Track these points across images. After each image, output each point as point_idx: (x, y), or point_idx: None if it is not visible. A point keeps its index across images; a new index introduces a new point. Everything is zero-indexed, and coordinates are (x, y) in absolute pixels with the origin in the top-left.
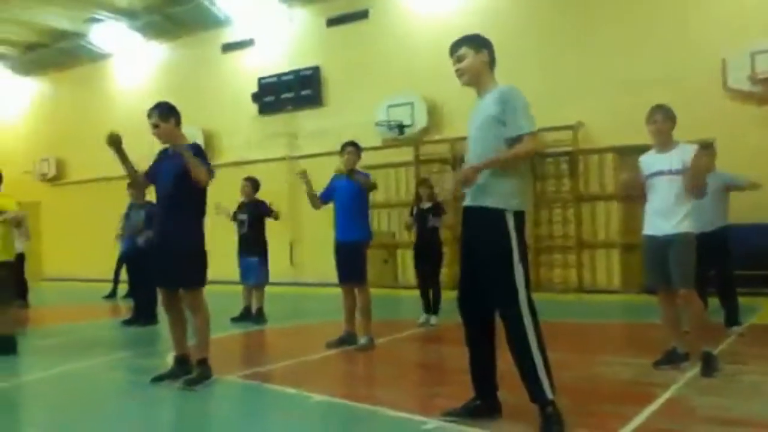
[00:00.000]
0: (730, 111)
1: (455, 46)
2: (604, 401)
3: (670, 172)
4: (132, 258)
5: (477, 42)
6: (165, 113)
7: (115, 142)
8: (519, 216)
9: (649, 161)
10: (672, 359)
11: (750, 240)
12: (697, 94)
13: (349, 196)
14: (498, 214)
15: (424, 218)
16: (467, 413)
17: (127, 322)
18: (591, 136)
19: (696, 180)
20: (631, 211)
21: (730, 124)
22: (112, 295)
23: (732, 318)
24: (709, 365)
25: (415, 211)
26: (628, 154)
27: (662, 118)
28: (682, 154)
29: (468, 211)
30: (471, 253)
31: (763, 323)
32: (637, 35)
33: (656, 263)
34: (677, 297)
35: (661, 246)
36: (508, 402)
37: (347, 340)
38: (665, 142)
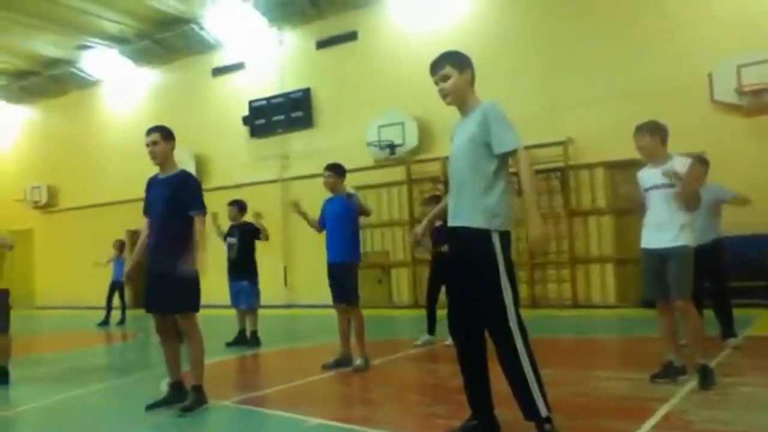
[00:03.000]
0: (717, 123)
1: (438, 66)
2: (602, 417)
3: (665, 186)
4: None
5: (460, 60)
6: (167, 134)
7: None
8: (504, 236)
9: (645, 176)
10: (669, 373)
11: (743, 251)
12: (685, 107)
13: (338, 218)
14: (484, 235)
15: (437, 237)
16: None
17: None
18: (581, 152)
19: (684, 189)
20: (623, 226)
21: (717, 136)
22: (106, 322)
23: (727, 330)
24: (706, 378)
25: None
26: (619, 168)
27: (639, 136)
28: (677, 168)
29: (452, 231)
30: (458, 273)
31: (759, 335)
32: (625, 51)
33: (654, 276)
34: (675, 310)
35: (659, 259)
36: (507, 420)
37: (343, 361)
38: (655, 157)
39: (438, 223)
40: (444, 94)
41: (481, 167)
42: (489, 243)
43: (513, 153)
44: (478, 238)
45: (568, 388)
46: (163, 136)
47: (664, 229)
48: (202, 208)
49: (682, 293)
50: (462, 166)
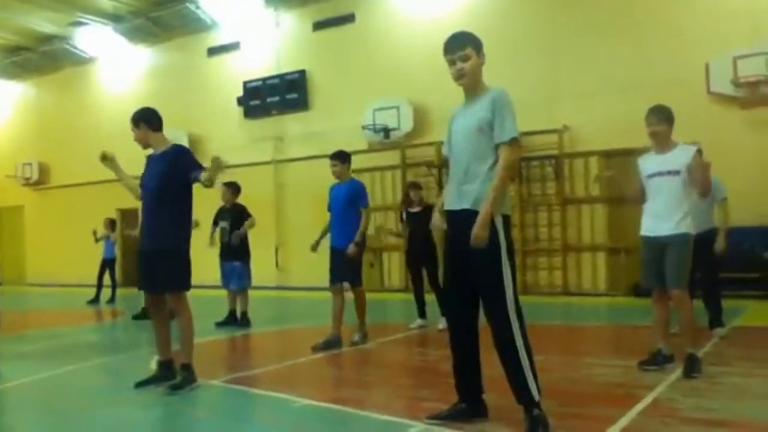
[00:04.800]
0: (713, 114)
1: (457, 44)
2: (590, 403)
3: (669, 173)
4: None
5: (479, 43)
6: (134, 120)
7: (107, 159)
8: (506, 219)
9: (648, 162)
10: (657, 361)
11: (736, 242)
12: (682, 98)
13: (344, 203)
14: (476, 216)
15: (416, 221)
16: (452, 417)
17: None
18: (576, 140)
19: (703, 182)
20: (616, 215)
21: (713, 127)
22: (96, 299)
23: (716, 320)
24: (692, 367)
25: (404, 215)
26: (613, 157)
27: (656, 120)
28: (681, 155)
29: (454, 214)
30: (457, 255)
31: (746, 325)
32: (624, 41)
33: (652, 264)
34: (670, 299)
35: (659, 247)
36: (495, 405)
37: (333, 343)
38: (663, 144)
39: (416, 209)
40: (460, 75)
41: (487, 153)
42: (492, 225)
43: (507, 143)
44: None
45: (557, 373)
46: (132, 123)
47: (665, 217)
48: (199, 166)
49: (679, 283)
50: (467, 151)
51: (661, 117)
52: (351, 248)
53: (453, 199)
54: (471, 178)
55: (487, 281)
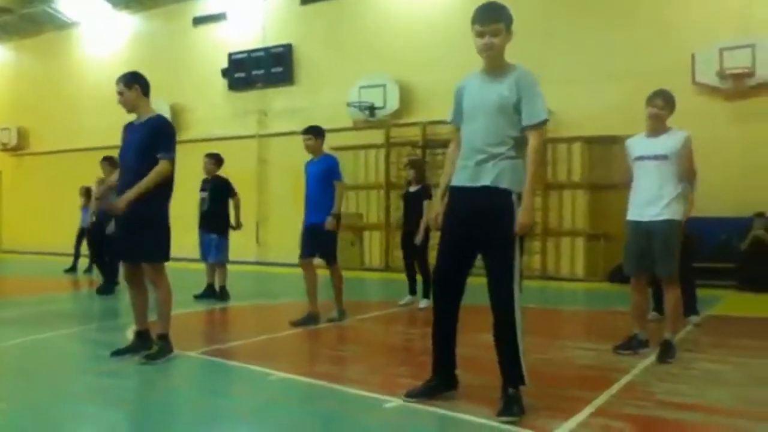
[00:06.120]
0: (697, 105)
1: (492, 17)
2: (564, 385)
3: (656, 157)
4: (91, 231)
5: (510, 19)
6: (128, 81)
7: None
8: (519, 196)
9: (637, 144)
10: (632, 345)
11: (713, 233)
12: (667, 88)
13: (319, 179)
14: (505, 195)
15: (413, 201)
16: (428, 393)
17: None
18: (560, 125)
19: (689, 168)
20: (597, 201)
21: (698, 118)
22: (73, 268)
23: (690, 307)
24: (667, 352)
25: (403, 194)
26: (596, 143)
27: (661, 103)
28: (671, 140)
29: (469, 191)
30: (463, 231)
31: (721, 314)
32: (610, 28)
33: (638, 249)
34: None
35: (643, 232)
36: (469, 383)
37: (311, 319)
38: (658, 127)
39: (413, 189)
40: (489, 48)
41: (506, 132)
42: (509, 202)
43: (538, 125)
44: (499, 197)
45: (533, 356)
46: (125, 83)
47: (650, 201)
48: (170, 152)
49: (668, 270)
50: (484, 127)
51: (661, 99)
52: (329, 221)
53: (468, 175)
54: (490, 156)
55: (499, 258)
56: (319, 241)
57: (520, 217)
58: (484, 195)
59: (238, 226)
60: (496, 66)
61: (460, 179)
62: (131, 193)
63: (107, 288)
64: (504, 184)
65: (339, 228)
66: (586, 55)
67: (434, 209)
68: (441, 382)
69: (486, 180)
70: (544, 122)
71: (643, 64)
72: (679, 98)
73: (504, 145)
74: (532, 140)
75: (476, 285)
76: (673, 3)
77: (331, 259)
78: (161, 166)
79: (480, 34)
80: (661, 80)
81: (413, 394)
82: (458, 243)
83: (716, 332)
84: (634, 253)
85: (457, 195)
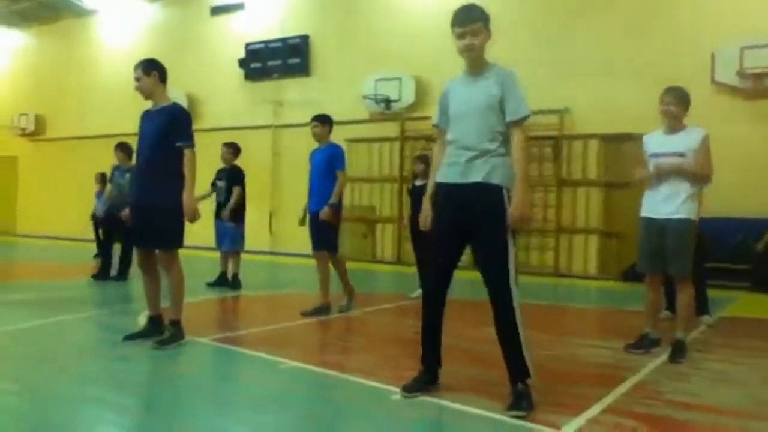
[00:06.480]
0: (716, 104)
1: (469, 18)
2: (574, 382)
3: (673, 155)
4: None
5: (488, 18)
6: (146, 67)
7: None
8: (509, 193)
9: (653, 141)
10: (644, 344)
11: (728, 234)
12: (686, 86)
13: (323, 168)
14: (497, 190)
15: (420, 195)
16: (422, 386)
17: (96, 277)
18: (576, 122)
19: (701, 169)
20: (612, 199)
21: (717, 118)
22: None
23: (701, 307)
24: (678, 352)
25: (409, 189)
26: (612, 141)
27: (672, 100)
28: (688, 138)
29: (460, 188)
30: (456, 228)
31: (734, 316)
32: (629, 25)
33: (650, 247)
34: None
35: (657, 230)
36: (478, 378)
37: (322, 310)
38: (673, 124)
39: (419, 183)
40: (470, 49)
41: (496, 129)
42: (501, 197)
43: (520, 121)
44: (491, 193)
45: (543, 352)
46: (143, 70)
47: (665, 199)
48: (189, 139)
49: (681, 270)
50: (476, 126)
51: (673, 96)
52: (324, 210)
53: (459, 171)
54: (481, 152)
55: (493, 254)
56: (320, 229)
57: (514, 210)
58: (475, 191)
59: (229, 211)
60: (478, 66)
61: (449, 176)
62: (189, 195)
63: (102, 275)
64: (495, 180)
65: (337, 219)
66: (604, 51)
67: (423, 211)
68: (431, 375)
69: (477, 176)
70: (526, 118)
71: (662, 62)
72: (698, 97)
73: (495, 141)
74: (518, 135)
75: (481, 280)
76: (694, 0)
77: (331, 250)
78: (189, 155)
79: (460, 36)
80: (680, 77)
81: (411, 389)
82: (450, 238)
83: (729, 333)
84: (648, 251)
85: (447, 191)
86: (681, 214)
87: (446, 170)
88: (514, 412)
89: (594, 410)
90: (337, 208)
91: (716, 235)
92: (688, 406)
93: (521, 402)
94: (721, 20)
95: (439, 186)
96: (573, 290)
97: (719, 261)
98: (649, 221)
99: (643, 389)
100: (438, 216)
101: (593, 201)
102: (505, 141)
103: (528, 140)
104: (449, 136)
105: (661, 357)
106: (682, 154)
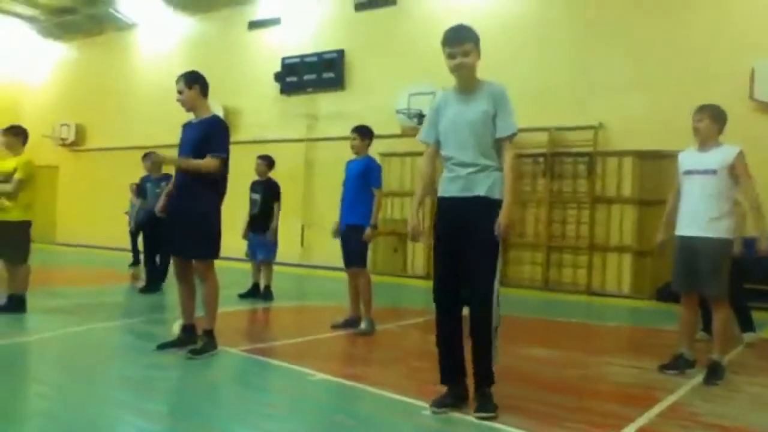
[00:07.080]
0: (754, 122)
1: (459, 39)
2: (607, 401)
3: (705, 172)
4: (145, 227)
5: (478, 39)
6: (189, 80)
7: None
8: (500, 204)
9: (687, 158)
10: (679, 365)
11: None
12: (722, 102)
13: (357, 180)
14: (498, 204)
15: None
16: (452, 401)
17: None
18: (611, 138)
19: (748, 191)
20: (646, 217)
21: (753, 135)
22: (136, 262)
23: (746, 324)
24: (713, 373)
25: None
26: (648, 158)
27: (702, 117)
28: (721, 155)
29: (461, 201)
30: (456, 242)
31: None
32: (666, 39)
33: (685, 265)
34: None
35: (689, 248)
36: (502, 393)
37: (352, 323)
38: (705, 142)
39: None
40: (461, 67)
41: (490, 144)
42: (494, 211)
43: (510, 138)
44: (489, 207)
45: (576, 371)
46: (186, 83)
47: (696, 216)
48: (223, 151)
49: (715, 291)
50: (473, 142)
51: (706, 113)
52: (368, 232)
53: (460, 186)
54: (482, 167)
55: (481, 265)
56: (349, 243)
57: (502, 218)
58: (479, 204)
59: (273, 231)
60: (470, 84)
61: (450, 190)
62: (183, 161)
63: (153, 287)
64: (497, 195)
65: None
66: (639, 67)
67: (410, 222)
68: (458, 390)
69: (480, 190)
70: (515, 134)
71: (699, 78)
72: (735, 114)
73: (491, 157)
74: (509, 151)
75: (514, 297)
76: (732, 12)
77: (360, 263)
78: (207, 161)
79: (451, 56)
80: (718, 93)
81: (440, 404)
82: (454, 251)
83: (767, 356)
84: (682, 270)
85: (449, 205)
86: (715, 233)
87: (447, 185)
88: (482, 414)
89: (628, 431)
90: (368, 223)
91: (756, 254)
92: (722, 429)
93: (488, 404)
94: (760, 35)
95: (441, 200)
96: (606, 309)
97: (759, 282)
98: (684, 240)
99: (677, 411)
100: (440, 229)
101: (627, 218)
102: (499, 156)
103: (518, 156)
104: (444, 153)
105: (696, 378)
106: (714, 171)
